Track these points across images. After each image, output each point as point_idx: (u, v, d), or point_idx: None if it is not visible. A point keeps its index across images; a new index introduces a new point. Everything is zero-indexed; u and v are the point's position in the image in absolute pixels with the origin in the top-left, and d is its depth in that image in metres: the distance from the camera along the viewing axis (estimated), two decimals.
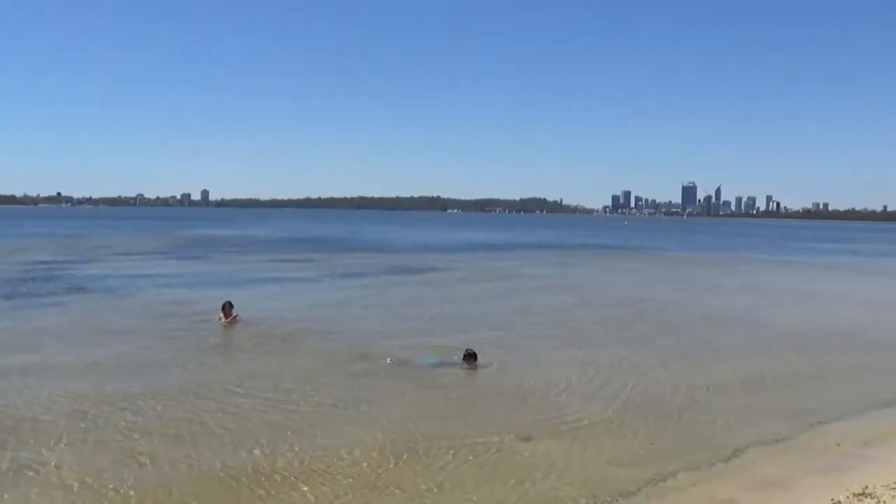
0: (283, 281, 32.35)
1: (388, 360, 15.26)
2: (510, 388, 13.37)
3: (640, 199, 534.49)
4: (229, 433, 10.47)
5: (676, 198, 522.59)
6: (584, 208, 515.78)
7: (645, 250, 67.96)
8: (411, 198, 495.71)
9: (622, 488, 8.75)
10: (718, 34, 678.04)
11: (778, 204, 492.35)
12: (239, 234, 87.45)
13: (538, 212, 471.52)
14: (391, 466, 9.32)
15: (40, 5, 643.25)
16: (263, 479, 8.80)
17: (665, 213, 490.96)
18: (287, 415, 11.46)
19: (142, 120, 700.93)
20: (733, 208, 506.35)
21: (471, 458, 9.66)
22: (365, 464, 9.36)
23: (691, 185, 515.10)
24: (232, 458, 9.43)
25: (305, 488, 8.55)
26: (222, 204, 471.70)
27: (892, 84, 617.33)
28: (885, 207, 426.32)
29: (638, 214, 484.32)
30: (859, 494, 8.48)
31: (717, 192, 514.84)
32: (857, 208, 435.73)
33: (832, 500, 8.35)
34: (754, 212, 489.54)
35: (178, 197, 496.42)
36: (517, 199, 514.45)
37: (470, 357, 14.84)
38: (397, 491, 8.57)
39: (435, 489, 8.64)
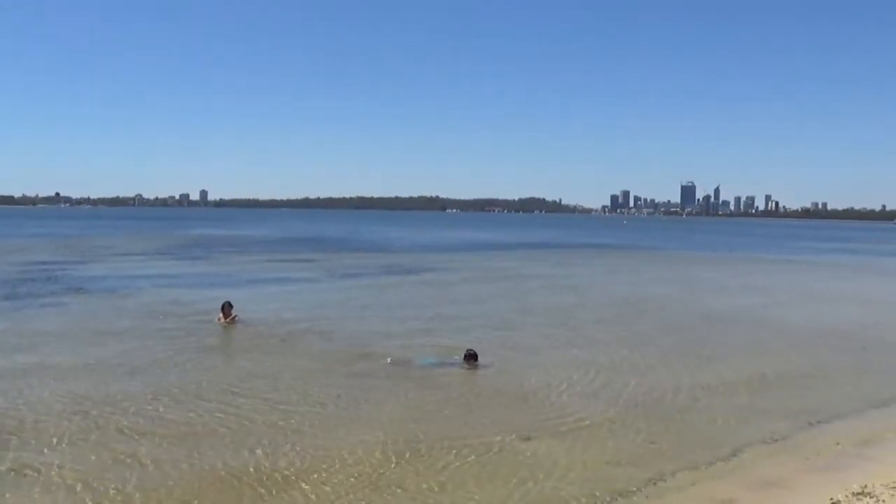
0: (282, 281, 32.35)
1: (389, 359, 15.27)
2: (511, 388, 13.39)
3: (639, 199, 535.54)
4: (230, 433, 10.48)
5: (675, 197, 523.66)
6: (583, 208, 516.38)
7: (644, 250, 67.99)
8: (410, 198, 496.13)
9: (622, 488, 8.77)
10: (718, 34, 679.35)
11: (777, 203, 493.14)
12: (238, 234, 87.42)
13: (537, 211, 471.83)
14: (392, 466, 9.34)
15: (40, 5, 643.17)
16: (264, 478, 8.81)
17: (664, 213, 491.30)
18: (287, 415, 11.47)
19: (141, 120, 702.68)
20: (732, 208, 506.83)
21: (472, 457, 9.68)
22: (366, 463, 9.37)
23: (690, 184, 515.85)
24: (233, 458, 9.45)
25: (306, 488, 8.56)
26: (221, 204, 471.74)
27: (891, 84, 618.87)
28: (883, 207, 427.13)
29: (637, 214, 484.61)
30: (858, 494, 8.51)
31: (716, 191, 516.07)
32: (856, 208, 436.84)
33: (831, 499, 8.38)
34: (753, 211, 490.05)
35: (177, 197, 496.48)
36: (516, 198, 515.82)
37: (471, 357, 14.86)
38: (399, 491, 8.58)
39: (436, 489, 8.66)
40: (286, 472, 9.01)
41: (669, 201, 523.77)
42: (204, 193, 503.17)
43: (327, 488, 8.58)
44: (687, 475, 9.25)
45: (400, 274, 36.98)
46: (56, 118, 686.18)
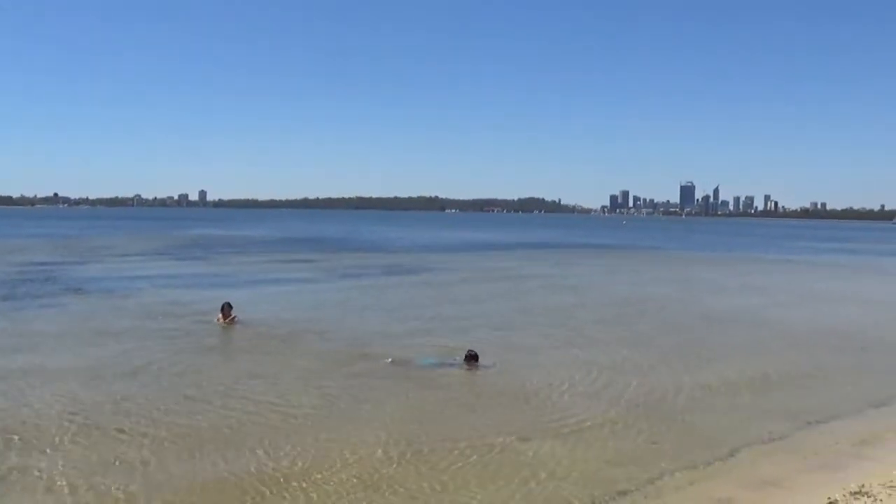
0: (281, 281, 32.37)
1: (389, 360, 15.29)
2: (511, 388, 13.41)
3: (639, 199, 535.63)
4: (230, 434, 10.51)
5: (675, 197, 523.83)
6: (582, 208, 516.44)
7: (644, 250, 68.03)
8: (409, 198, 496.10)
9: (622, 487, 8.81)
10: (718, 34, 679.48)
11: (776, 203, 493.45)
12: (237, 234, 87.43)
13: (536, 211, 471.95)
14: (393, 466, 9.36)
15: (40, 5, 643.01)
16: (265, 479, 8.84)
17: (663, 213, 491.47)
18: (287, 415, 11.50)
19: (140, 120, 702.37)
20: (731, 208, 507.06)
21: (473, 457, 9.70)
22: (367, 463, 9.39)
23: (689, 184, 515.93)
24: (233, 459, 9.47)
25: (307, 488, 8.58)
26: (220, 204, 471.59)
27: (890, 84, 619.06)
28: (882, 206, 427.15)
29: (636, 214, 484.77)
30: (856, 493, 8.53)
31: (716, 191, 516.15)
32: (855, 207, 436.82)
33: (829, 498, 8.40)
34: (752, 211, 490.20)
35: (176, 197, 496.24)
36: (515, 198, 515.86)
37: (471, 358, 14.87)
38: (400, 491, 8.61)
39: (437, 489, 8.68)
40: (287, 473, 9.04)
41: (668, 201, 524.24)
42: (203, 194, 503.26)
43: (328, 488, 8.60)
44: (686, 475, 9.28)
45: (400, 274, 37.00)
46: (55, 118, 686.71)
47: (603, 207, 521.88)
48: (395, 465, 9.39)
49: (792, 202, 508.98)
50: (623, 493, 8.64)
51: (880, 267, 51.32)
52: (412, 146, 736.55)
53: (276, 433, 10.52)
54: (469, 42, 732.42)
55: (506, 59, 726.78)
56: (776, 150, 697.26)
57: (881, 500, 8.28)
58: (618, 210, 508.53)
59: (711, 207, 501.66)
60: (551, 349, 17.35)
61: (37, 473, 8.85)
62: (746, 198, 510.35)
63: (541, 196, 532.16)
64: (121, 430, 10.50)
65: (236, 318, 19.57)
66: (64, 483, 8.56)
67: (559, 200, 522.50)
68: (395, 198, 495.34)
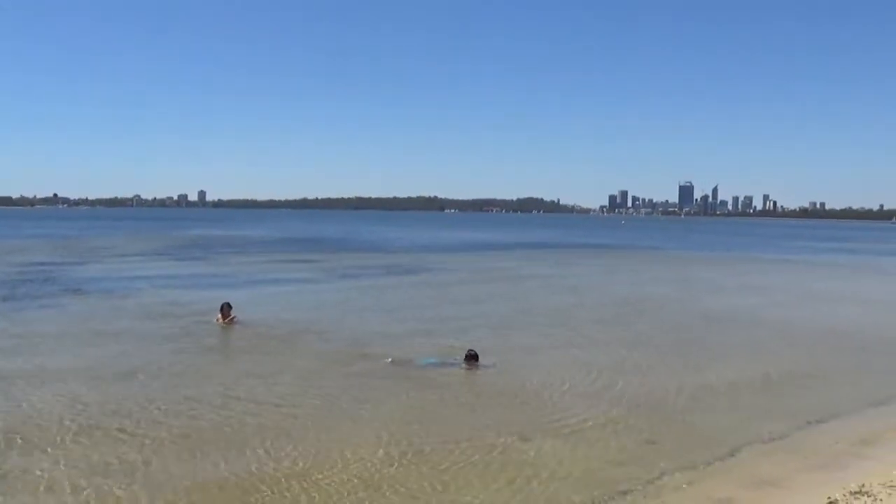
0: (281, 282, 32.37)
1: (389, 360, 15.30)
2: (511, 389, 13.42)
3: (637, 199, 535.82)
4: (230, 434, 10.51)
5: (673, 197, 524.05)
6: (581, 208, 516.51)
7: (643, 250, 68.07)
8: (409, 198, 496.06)
9: (622, 487, 8.81)
10: (718, 34, 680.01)
11: (775, 203, 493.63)
12: (236, 234, 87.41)
13: (535, 211, 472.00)
14: (394, 466, 9.37)
15: (40, 5, 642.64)
16: (266, 479, 8.84)
17: (662, 213, 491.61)
18: (287, 415, 11.51)
19: (139, 120, 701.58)
20: (730, 207, 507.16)
21: (473, 457, 9.71)
22: (367, 464, 9.40)
23: (688, 184, 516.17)
24: (233, 459, 9.47)
25: (307, 488, 8.58)
26: (219, 205, 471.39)
27: (890, 84, 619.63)
28: (881, 206, 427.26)
29: (635, 214, 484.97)
30: (856, 493, 8.54)
31: (714, 191, 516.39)
32: (854, 207, 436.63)
33: (828, 498, 8.41)
34: (751, 211, 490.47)
35: (175, 198, 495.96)
36: (514, 198, 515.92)
37: (472, 358, 14.88)
38: (400, 491, 8.61)
39: (438, 489, 8.69)
40: (287, 473, 9.04)
41: (667, 201, 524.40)
42: (202, 194, 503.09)
43: (329, 488, 8.60)
44: (685, 474, 9.29)
45: (399, 274, 37.01)
46: (55, 118, 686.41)
47: (602, 207, 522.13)
48: (395, 465, 9.40)
49: (791, 202, 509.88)
50: (623, 493, 8.65)
51: (879, 267, 51.36)
52: (412, 146, 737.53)
53: (277, 433, 10.52)
54: (469, 42, 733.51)
55: (506, 59, 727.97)
56: (775, 149, 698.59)
57: (881, 500, 8.29)
58: (616, 210, 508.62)
59: (710, 207, 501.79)
60: (551, 349, 17.36)
61: (38, 473, 8.86)
62: (745, 197, 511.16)
63: (540, 196, 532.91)
64: (121, 431, 10.51)
65: (236, 319, 19.57)
66: (66, 483, 8.56)
67: (558, 200, 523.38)
68: (395, 198, 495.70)
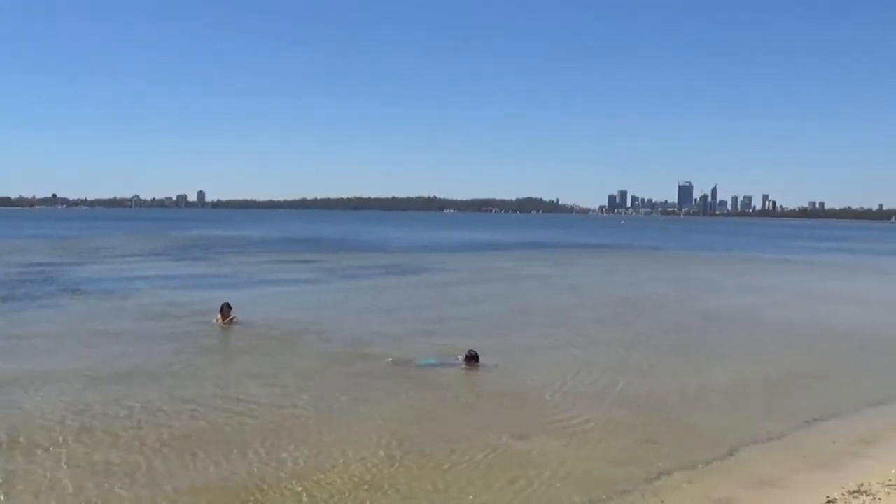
0: (280, 282, 32.38)
1: (389, 360, 15.31)
2: (510, 388, 13.43)
3: (637, 199, 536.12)
4: (230, 434, 10.52)
5: (673, 197, 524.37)
6: (580, 208, 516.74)
7: (642, 249, 68.09)
8: (408, 198, 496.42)
9: (620, 487, 8.82)
10: (718, 34, 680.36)
11: (774, 203, 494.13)
12: (236, 234, 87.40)
13: (534, 212, 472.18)
14: (391, 466, 9.37)
15: (39, 5, 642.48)
16: (266, 479, 8.84)
17: (661, 213, 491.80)
18: (287, 415, 11.51)
19: (138, 120, 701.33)
20: (729, 207, 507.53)
21: (473, 457, 9.71)
22: (367, 464, 9.40)
23: (688, 184, 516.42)
24: (234, 459, 9.47)
25: (307, 488, 8.58)
26: (218, 205, 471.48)
27: (890, 84, 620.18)
28: (880, 206, 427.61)
29: (634, 214, 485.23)
30: (854, 492, 8.56)
31: (714, 191, 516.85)
32: (853, 207, 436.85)
33: (828, 497, 8.42)
34: (750, 211, 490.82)
35: (174, 198, 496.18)
36: (513, 199, 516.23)
37: (472, 358, 14.88)
38: (400, 490, 8.62)
39: (437, 489, 8.69)
40: (287, 473, 9.04)
41: (667, 201, 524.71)
42: (201, 194, 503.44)
43: (328, 488, 8.61)
44: (685, 474, 9.29)
45: (398, 274, 37.02)
46: (54, 118, 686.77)
47: (601, 207, 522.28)
48: (395, 465, 9.41)
49: (790, 202, 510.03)
50: (622, 493, 8.65)
51: (878, 266, 51.38)
52: (411, 146, 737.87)
53: (277, 433, 10.53)
54: (469, 42, 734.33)
55: (506, 59, 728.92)
56: (775, 149, 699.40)
57: (880, 499, 8.30)
58: (616, 210, 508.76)
59: (709, 207, 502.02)
60: (551, 349, 17.37)
61: (40, 473, 8.86)
62: (744, 197, 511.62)
63: (539, 196, 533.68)
64: (122, 431, 10.51)
65: (235, 319, 19.57)
66: (67, 484, 8.56)
67: (557, 200, 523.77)
68: (394, 198, 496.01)
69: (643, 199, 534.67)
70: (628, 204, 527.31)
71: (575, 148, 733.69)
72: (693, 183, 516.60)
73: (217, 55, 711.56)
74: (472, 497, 8.48)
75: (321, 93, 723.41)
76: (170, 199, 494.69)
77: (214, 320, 19.59)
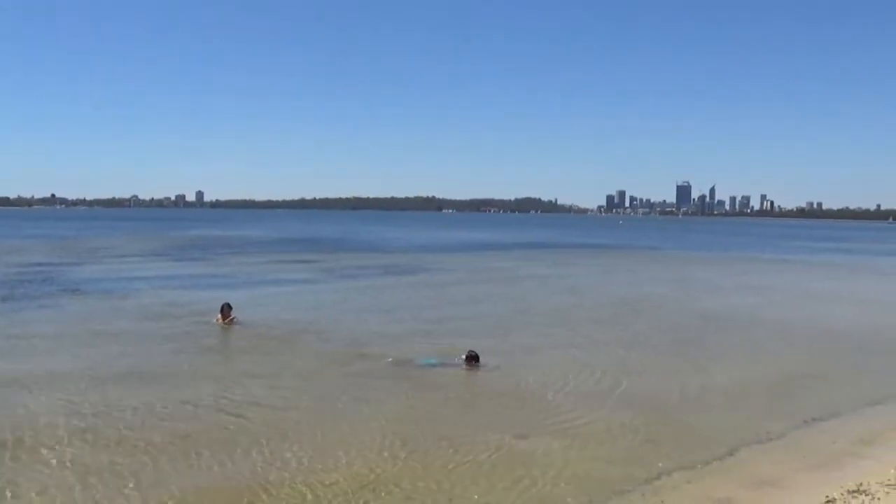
0: (279, 282, 32.38)
1: (389, 359, 15.34)
2: (509, 388, 13.46)
3: (635, 199, 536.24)
4: (229, 434, 10.53)
5: (671, 197, 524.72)
6: (578, 208, 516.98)
7: (641, 249, 68.14)
8: (406, 198, 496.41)
9: (619, 487, 8.85)
10: (717, 34, 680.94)
11: (772, 203, 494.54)
12: (235, 234, 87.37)
13: (533, 212, 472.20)
14: (395, 466, 9.40)
15: (39, 5, 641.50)
16: (265, 479, 8.85)
17: (660, 213, 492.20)
18: (286, 415, 11.53)
19: (137, 120, 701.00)
20: (728, 207, 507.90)
21: (472, 457, 9.74)
22: (364, 464, 9.42)
23: (686, 184, 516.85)
24: (233, 460, 9.49)
25: (307, 488, 8.60)
26: (217, 205, 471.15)
27: (888, 84, 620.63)
28: (878, 206, 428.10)
29: (633, 214, 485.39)
30: (854, 492, 8.59)
31: (712, 191, 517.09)
32: (851, 207, 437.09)
33: (826, 497, 8.46)
34: (749, 211, 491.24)
35: (173, 198, 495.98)
36: (512, 199, 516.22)
37: (472, 358, 14.90)
38: (399, 490, 8.64)
39: (436, 488, 8.71)
40: (286, 473, 9.06)
41: (665, 201, 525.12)
42: (200, 194, 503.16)
43: (332, 488, 8.62)
44: (684, 474, 9.32)
45: (397, 274, 37.03)
46: (53, 118, 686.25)
47: (599, 207, 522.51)
48: (398, 465, 9.43)
49: (788, 202, 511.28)
50: (621, 493, 8.68)
51: (876, 267, 51.45)
52: (410, 146, 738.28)
53: (277, 433, 10.54)
54: (469, 42, 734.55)
55: (506, 59, 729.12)
56: (773, 149, 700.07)
57: (879, 499, 8.34)
58: (614, 210, 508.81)
59: (708, 207, 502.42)
60: (550, 349, 17.40)
61: (46, 473, 8.88)
62: (743, 197, 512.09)
63: (537, 196, 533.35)
64: (122, 431, 10.51)
65: (235, 319, 19.58)
66: (74, 484, 8.57)
67: (556, 200, 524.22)
68: (392, 198, 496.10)
69: (641, 200, 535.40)
70: (627, 204, 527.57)
71: (574, 148, 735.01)
72: (691, 183, 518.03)
73: (217, 55, 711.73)
74: (476, 497, 8.50)
75: (321, 93, 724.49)
76: (168, 199, 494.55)
77: (214, 320, 19.61)
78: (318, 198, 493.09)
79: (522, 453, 9.96)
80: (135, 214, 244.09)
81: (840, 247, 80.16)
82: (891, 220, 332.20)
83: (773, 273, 43.19)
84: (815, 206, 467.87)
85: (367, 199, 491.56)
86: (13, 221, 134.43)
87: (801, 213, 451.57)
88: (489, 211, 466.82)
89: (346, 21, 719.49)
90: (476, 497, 8.49)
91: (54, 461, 9.30)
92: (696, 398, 13.23)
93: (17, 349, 16.31)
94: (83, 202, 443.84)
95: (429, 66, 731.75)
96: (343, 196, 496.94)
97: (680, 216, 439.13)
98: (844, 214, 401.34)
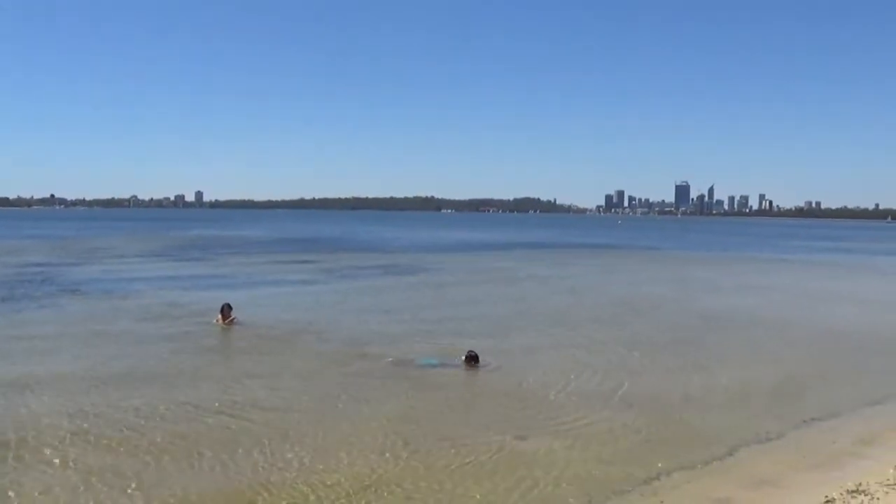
0: (279, 282, 32.39)
1: (389, 360, 15.36)
2: (509, 388, 13.48)
3: (634, 199, 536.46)
4: (229, 434, 10.55)
5: (670, 197, 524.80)
6: (577, 208, 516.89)
7: (639, 249, 68.17)
8: (405, 198, 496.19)
9: (619, 486, 8.88)
10: (717, 34, 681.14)
11: (771, 202, 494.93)
12: (234, 234, 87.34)
13: (532, 211, 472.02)
14: (397, 466, 9.42)
15: (38, 5, 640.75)
16: (265, 479, 8.88)
17: (658, 212, 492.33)
18: (286, 415, 11.55)
19: (137, 120, 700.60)
20: (726, 207, 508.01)
21: (472, 457, 9.76)
22: (366, 464, 9.45)
23: (685, 184, 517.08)
24: (233, 460, 9.51)
25: (307, 489, 8.63)
26: (216, 205, 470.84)
27: (887, 84, 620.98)
28: (877, 205, 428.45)
29: (631, 213, 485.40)
30: (853, 492, 8.62)
31: (711, 190, 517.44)
32: (850, 206, 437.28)
33: (826, 497, 8.48)
34: (747, 210, 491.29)
35: (173, 198, 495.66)
36: (511, 198, 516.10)
37: (471, 359, 14.93)
38: (398, 490, 8.66)
39: (436, 488, 8.74)
40: (287, 473, 9.08)
41: (664, 201, 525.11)
42: (199, 194, 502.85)
43: (334, 488, 8.63)
44: (683, 474, 9.35)
45: (397, 275, 37.05)
46: (53, 118, 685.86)
47: (598, 207, 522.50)
48: (400, 465, 9.45)
49: (787, 201, 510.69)
50: (621, 493, 8.71)
51: (875, 266, 51.48)
52: (410, 146, 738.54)
53: (277, 434, 10.56)
54: (469, 42, 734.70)
55: (506, 59, 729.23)
56: (772, 149, 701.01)
57: (878, 499, 8.37)
58: (613, 210, 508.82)
59: (706, 207, 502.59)
60: (549, 349, 17.42)
61: (49, 473, 8.90)
62: (741, 197, 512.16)
63: (536, 196, 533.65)
64: (122, 432, 10.53)
65: (235, 319, 19.60)
66: (67, 485, 8.59)
67: (555, 200, 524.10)
68: (392, 198, 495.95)
69: (640, 199, 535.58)
70: (625, 204, 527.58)
71: (573, 148, 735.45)
72: (690, 183, 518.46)
73: (217, 55, 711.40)
74: (479, 497, 8.53)
75: (321, 93, 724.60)
76: (168, 199, 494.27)
77: (215, 321, 19.62)
78: (317, 198, 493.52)
79: (524, 454, 9.99)
80: (134, 215, 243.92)
81: (839, 246, 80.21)
82: (889, 219, 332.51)
83: (772, 273, 43.23)
84: (813, 205, 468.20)
85: (367, 199, 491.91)
86: (12, 222, 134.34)
87: (799, 212, 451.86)
88: (488, 211, 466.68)
89: (346, 21, 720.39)
90: (478, 497, 8.52)
91: (57, 461, 9.32)
92: (696, 398, 13.26)
93: (18, 350, 16.32)
94: (82, 202, 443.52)
95: (429, 66, 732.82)
96: (342, 196, 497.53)
97: (679, 216, 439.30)
98: (843, 214, 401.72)
